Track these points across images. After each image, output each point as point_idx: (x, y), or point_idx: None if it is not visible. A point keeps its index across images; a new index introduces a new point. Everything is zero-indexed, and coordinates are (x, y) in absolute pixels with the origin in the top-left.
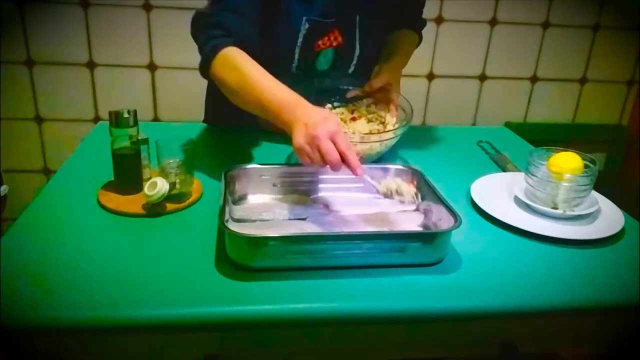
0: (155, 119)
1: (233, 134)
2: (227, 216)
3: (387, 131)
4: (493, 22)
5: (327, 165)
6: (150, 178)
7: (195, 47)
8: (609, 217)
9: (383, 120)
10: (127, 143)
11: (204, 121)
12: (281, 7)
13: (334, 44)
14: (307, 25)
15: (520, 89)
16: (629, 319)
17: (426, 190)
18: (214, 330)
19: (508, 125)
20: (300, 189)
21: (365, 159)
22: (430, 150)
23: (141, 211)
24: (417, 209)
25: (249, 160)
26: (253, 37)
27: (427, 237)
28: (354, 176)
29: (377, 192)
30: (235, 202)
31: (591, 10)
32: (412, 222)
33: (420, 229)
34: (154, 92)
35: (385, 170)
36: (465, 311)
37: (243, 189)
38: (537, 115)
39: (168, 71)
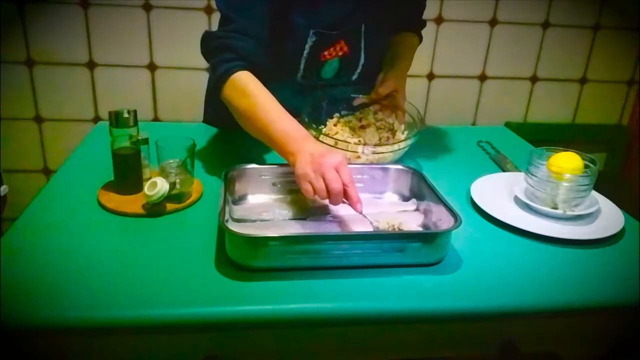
0: (155, 119)
1: (233, 134)
2: (227, 216)
3: (400, 141)
4: (493, 22)
5: (328, 197)
6: (150, 178)
7: (195, 47)
8: (609, 217)
9: (391, 127)
10: (127, 143)
11: (204, 121)
12: (288, 20)
13: (340, 53)
14: (313, 38)
15: (520, 89)
16: (629, 319)
17: (426, 190)
18: (214, 330)
19: (508, 125)
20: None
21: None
22: (430, 150)
23: (141, 211)
24: (417, 209)
25: (249, 160)
26: (263, 58)
27: (427, 237)
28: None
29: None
30: (235, 202)
31: (591, 10)
32: (412, 222)
33: (420, 229)
34: (154, 92)
35: (386, 170)
36: (465, 311)
37: (243, 189)
38: (537, 115)
39: (168, 71)
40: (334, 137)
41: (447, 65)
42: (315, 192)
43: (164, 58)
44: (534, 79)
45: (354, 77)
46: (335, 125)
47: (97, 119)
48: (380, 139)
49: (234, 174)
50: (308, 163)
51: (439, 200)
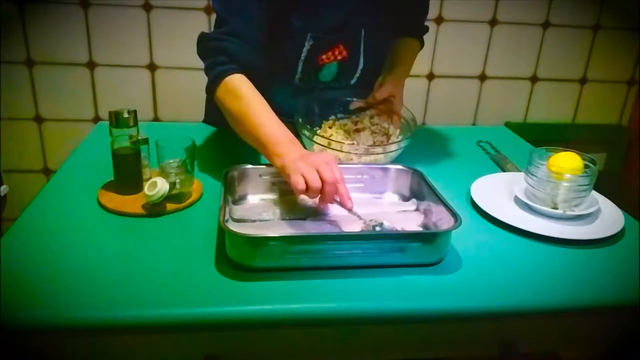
0: (155, 119)
1: (233, 134)
2: (227, 216)
3: (391, 143)
4: (493, 22)
5: (321, 191)
6: (150, 178)
7: (195, 47)
8: (609, 217)
9: (386, 131)
10: (127, 143)
11: (204, 121)
12: (286, 23)
13: (339, 57)
14: (311, 41)
15: (520, 89)
16: (629, 319)
17: (426, 190)
18: (214, 330)
19: (508, 125)
20: None
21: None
22: (430, 150)
23: (141, 211)
24: (417, 209)
25: (249, 160)
26: (257, 61)
27: (427, 237)
28: (353, 176)
29: (364, 224)
30: (235, 202)
31: (591, 10)
32: (412, 222)
33: (420, 229)
34: (154, 92)
35: (386, 170)
36: (465, 311)
37: (243, 189)
38: (537, 115)
39: (168, 71)
40: (328, 138)
41: (447, 65)
42: (307, 183)
43: (164, 58)
44: (534, 79)
45: (353, 81)
46: (330, 127)
47: (97, 119)
48: (374, 142)
49: (234, 174)
50: (297, 159)
51: (439, 200)
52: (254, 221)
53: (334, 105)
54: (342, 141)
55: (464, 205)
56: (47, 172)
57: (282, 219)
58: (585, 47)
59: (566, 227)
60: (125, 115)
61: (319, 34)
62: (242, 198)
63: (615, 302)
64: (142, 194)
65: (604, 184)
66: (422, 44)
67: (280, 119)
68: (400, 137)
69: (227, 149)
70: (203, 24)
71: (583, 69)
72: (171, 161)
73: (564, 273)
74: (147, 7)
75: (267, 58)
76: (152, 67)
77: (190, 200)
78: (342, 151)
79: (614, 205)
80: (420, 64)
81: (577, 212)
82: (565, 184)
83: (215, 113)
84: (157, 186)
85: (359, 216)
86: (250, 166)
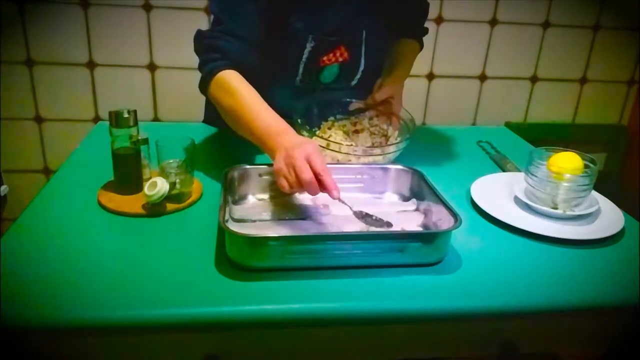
0: (155, 119)
1: (233, 134)
2: (227, 216)
3: (390, 145)
4: (493, 22)
5: (302, 189)
6: (150, 178)
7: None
8: (609, 217)
9: (385, 133)
10: (127, 143)
11: (204, 121)
12: (287, 24)
13: (340, 59)
14: (312, 43)
15: (520, 89)
16: (629, 319)
17: (426, 190)
18: (214, 330)
19: (508, 125)
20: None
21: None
22: (430, 150)
23: (141, 211)
24: (417, 209)
25: (249, 160)
26: (251, 59)
27: (427, 237)
28: (353, 176)
29: (353, 214)
30: (235, 202)
31: (591, 10)
32: (412, 222)
33: (420, 229)
34: (154, 92)
35: (386, 170)
36: (465, 311)
37: (243, 189)
38: (537, 115)
39: (168, 71)
40: (327, 139)
41: (447, 65)
42: (289, 185)
43: (164, 58)
44: (534, 79)
45: (354, 82)
46: (329, 128)
47: (97, 119)
48: (373, 144)
49: (234, 174)
50: (282, 158)
51: (439, 200)
52: (254, 221)
53: (333, 106)
54: (341, 142)
55: (464, 205)
56: (47, 172)
57: (282, 219)
58: (585, 47)
59: (566, 227)
60: (125, 115)
61: (321, 36)
62: (242, 198)
63: (615, 302)
64: (142, 194)
65: (604, 184)
66: (421, 46)
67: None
68: (399, 139)
69: (227, 149)
70: (203, 24)
71: (583, 69)
72: (171, 161)
73: (564, 273)
74: (147, 7)
75: (268, 59)
76: (152, 67)
77: (190, 200)
78: (340, 152)
79: (614, 205)
80: (420, 64)
81: (577, 212)
82: (565, 184)
83: (215, 113)
84: (157, 186)
85: (344, 203)
86: (250, 166)
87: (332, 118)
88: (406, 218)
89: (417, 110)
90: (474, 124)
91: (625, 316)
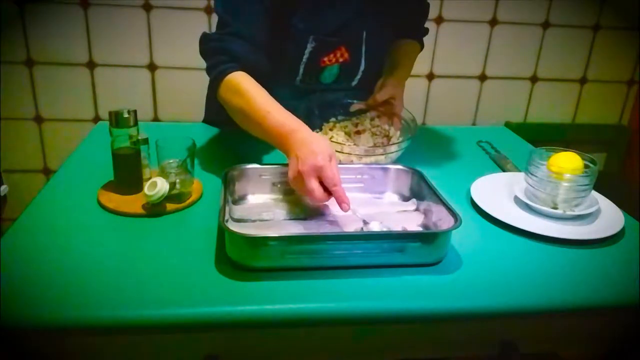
0: (155, 119)
1: (233, 134)
2: (227, 216)
3: (392, 144)
4: (493, 22)
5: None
6: (150, 178)
7: (195, 47)
8: (609, 217)
9: (387, 133)
10: (127, 143)
11: (204, 121)
12: (288, 25)
13: (340, 60)
14: (313, 43)
15: (520, 89)
16: (629, 319)
17: (426, 190)
18: (214, 330)
19: (508, 125)
20: None
21: None
22: (430, 150)
23: (141, 211)
24: (417, 209)
25: (249, 160)
26: (259, 60)
27: (427, 237)
28: (353, 176)
29: (364, 224)
30: (235, 202)
31: (591, 10)
32: (412, 222)
33: (420, 229)
34: (154, 92)
35: (386, 170)
36: (465, 311)
37: (243, 189)
38: (537, 115)
39: (168, 71)
40: (329, 140)
41: (447, 65)
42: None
43: (164, 58)
44: (534, 79)
45: (354, 82)
46: (331, 129)
47: (97, 119)
48: (374, 144)
49: (234, 174)
50: (293, 169)
51: (439, 200)
52: (254, 221)
53: (334, 107)
54: (343, 142)
55: (464, 205)
56: (47, 172)
57: (282, 219)
58: (585, 47)
59: (566, 227)
60: (125, 115)
61: (321, 36)
62: (242, 198)
63: (615, 302)
64: (142, 194)
65: (604, 184)
66: (422, 46)
67: None
68: (400, 139)
69: (227, 149)
70: (203, 24)
71: (583, 69)
72: (171, 161)
73: (564, 273)
74: (147, 7)
75: (267, 59)
76: (152, 67)
77: (190, 200)
78: (342, 152)
79: (614, 205)
80: (420, 64)
81: (577, 212)
82: (565, 184)
83: (215, 113)
84: (157, 186)
85: (356, 215)
86: (250, 166)
87: (333, 119)
88: (406, 218)
89: (417, 110)
90: (474, 124)
91: (625, 316)
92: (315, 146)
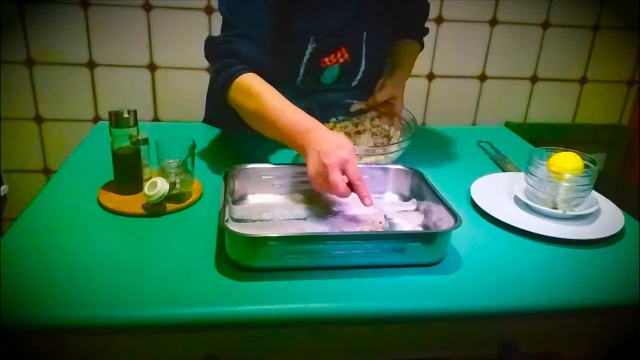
0: (155, 119)
1: (233, 134)
2: (227, 216)
3: (392, 144)
4: (493, 22)
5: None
6: (150, 178)
7: (195, 47)
8: (609, 217)
9: (387, 133)
10: (127, 143)
11: (204, 121)
12: (289, 25)
13: (341, 60)
14: (314, 44)
15: (520, 89)
16: (629, 319)
17: (426, 190)
18: (214, 330)
19: (508, 125)
20: (300, 189)
21: None
22: (430, 150)
23: (141, 211)
24: (417, 209)
25: (249, 160)
26: (266, 61)
27: (427, 237)
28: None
29: (385, 218)
30: (235, 202)
31: (591, 10)
32: (412, 222)
33: (420, 229)
34: (154, 92)
35: (386, 170)
36: (465, 311)
37: (243, 189)
38: (537, 115)
39: (168, 71)
40: None
41: (447, 65)
42: (323, 190)
43: (164, 58)
44: (534, 79)
45: (354, 83)
46: (331, 129)
47: (97, 119)
48: (375, 144)
49: (234, 174)
50: (315, 164)
51: (439, 200)
52: (254, 221)
53: (334, 107)
54: None
55: (464, 205)
56: (47, 172)
57: (282, 219)
58: (585, 47)
59: (566, 227)
60: (125, 115)
61: (322, 37)
62: (242, 198)
63: (615, 302)
64: (142, 194)
65: (604, 184)
66: (422, 46)
67: None
68: (400, 139)
69: (227, 149)
70: (203, 24)
71: (583, 69)
72: (171, 161)
73: (564, 273)
74: (147, 7)
75: (273, 60)
76: (152, 67)
77: (190, 200)
78: None
79: (614, 205)
80: (420, 64)
81: (577, 212)
82: (565, 184)
83: (215, 113)
84: (157, 186)
85: (377, 209)
86: (250, 166)
87: (333, 119)
88: (406, 218)
89: (417, 110)
90: (474, 124)
91: (625, 316)
92: (339, 141)
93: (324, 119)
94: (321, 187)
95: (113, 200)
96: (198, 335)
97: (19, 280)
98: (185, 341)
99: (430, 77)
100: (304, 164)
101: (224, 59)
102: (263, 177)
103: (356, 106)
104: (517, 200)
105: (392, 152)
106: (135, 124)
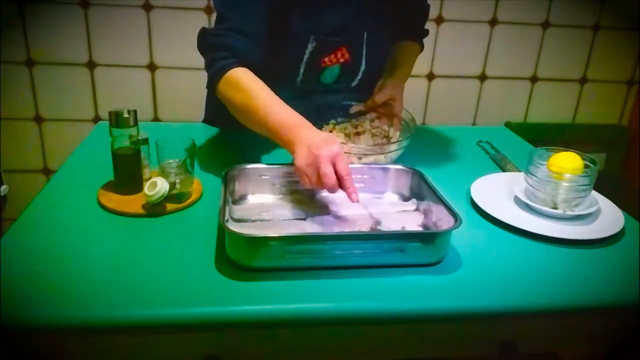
0: (155, 119)
1: (233, 134)
2: (227, 216)
3: (391, 143)
4: (493, 22)
5: (325, 190)
6: (150, 178)
7: (195, 47)
8: (609, 217)
9: (387, 134)
10: (127, 143)
11: (204, 121)
12: (288, 24)
13: (341, 60)
14: (314, 43)
15: (520, 89)
16: (629, 319)
17: (426, 190)
18: (214, 330)
19: (508, 125)
20: (300, 189)
21: None
22: (430, 150)
23: (141, 211)
24: (417, 209)
25: (249, 160)
26: (258, 56)
27: (427, 237)
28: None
29: (370, 216)
30: (235, 202)
31: (591, 10)
32: (412, 222)
33: (420, 229)
34: (154, 92)
35: (386, 170)
36: (465, 311)
37: (243, 189)
38: (537, 115)
39: (168, 71)
40: None
41: (447, 65)
42: (311, 184)
43: (164, 58)
44: (534, 79)
45: (354, 83)
46: (330, 131)
47: (97, 119)
48: (374, 145)
49: (234, 174)
50: (305, 156)
51: (439, 200)
52: (254, 221)
53: (333, 109)
54: (342, 142)
55: (464, 205)
56: (47, 172)
57: (282, 219)
58: (585, 47)
59: (566, 227)
60: (125, 115)
61: (322, 36)
62: (242, 198)
63: (615, 302)
64: (142, 194)
65: (604, 184)
66: (422, 47)
67: None
68: (400, 139)
69: (227, 149)
70: (203, 24)
71: (583, 69)
72: (171, 161)
73: (564, 273)
74: (147, 7)
75: (269, 59)
76: (152, 67)
77: (190, 200)
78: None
79: (614, 205)
80: (420, 64)
81: (577, 212)
82: (565, 184)
83: (215, 113)
84: (157, 186)
85: (364, 206)
86: (250, 166)
87: (333, 121)
88: (406, 218)
89: (417, 110)
90: (474, 124)
91: (625, 316)
92: (327, 137)
93: (323, 121)
94: (310, 179)
95: (113, 200)
96: (198, 335)
97: (19, 280)
98: (185, 341)
99: (430, 77)
100: (302, 184)
101: (215, 51)
102: (263, 177)
103: (355, 108)
104: (517, 200)
105: (392, 152)
106: (135, 124)
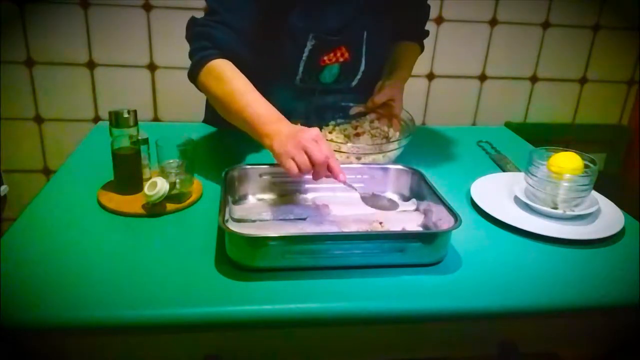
0: (155, 119)
1: (233, 134)
2: (227, 216)
3: (391, 142)
4: (493, 22)
5: (311, 170)
6: (150, 178)
7: None
8: (609, 217)
9: (386, 135)
10: (127, 143)
11: (204, 121)
12: (287, 22)
13: (341, 59)
14: (313, 42)
15: (520, 89)
16: (629, 319)
17: (426, 190)
18: (214, 330)
19: (508, 125)
20: (300, 189)
21: None
22: (430, 150)
23: (141, 211)
24: (417, 209)
25: (249, 160)
26: (242, 52)
27: (427, 237)
28: (354, 176)
29: (360, 195)
30: (235, 202)
31: (591, 10)
32: (412, 222)
33: (420, 229)
34: (154, 92)
35: (386, 170)
36: (465, 311)
37: (243, 189)
38: (537, 115)
39: (168, 71)
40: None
41: (447, 65)
42: (298, 166)
43: (164, 58)
44: (534, 79)
45: (354, 83)
46: (330, 132)
47: (97, 119)
48: (373, 144)
49: (234, 174)
50: (285, 143)
51: (439, 200)
52: (254, 221)
53: (333, 110)
54: (342, 142)
55: (464, 205)
56: (47, 172)
57: (282, 219)
58: (585, 47)
59: (566, 227)
60: (125, 115)
61: (321, 35)
62: (242, 198)
63: (615, 302)
64: (142, 194)
65: (604, 184)
66: (422, 48)
67: None
68: (399, 139)
69: (227, 149)
70: None
71: (583, 69)
72: (171, 161)
73: (564, 273)
74: (147, 7)
75: (268, 58)
76: (152, 67)
77: (190, 200)
78: (340, 152)
79: (614, 205)
80: (420, 64)
81: (577, 212)
82: (565, 184)
83: (215, 113)
84: (157, 186)
85: (353, 188)
86: (250, 166)
87: (332, 122)
88: (406, 218)
89: (417, 110)
90: (474, 124)
91: (625, 316)
92: (304, 127)
93: (322, 122)
94: (296, 159)
95: (113, 200)
96: (198, 335)
97: (19, 280)
98: (185, 341)
99: (430, 77)
100: (287, 171)
101: (199, 41)
102: (263, 177)
103: (355, 109)
104: (517, 200)
105: (390, 151)
106: (135, 124)
